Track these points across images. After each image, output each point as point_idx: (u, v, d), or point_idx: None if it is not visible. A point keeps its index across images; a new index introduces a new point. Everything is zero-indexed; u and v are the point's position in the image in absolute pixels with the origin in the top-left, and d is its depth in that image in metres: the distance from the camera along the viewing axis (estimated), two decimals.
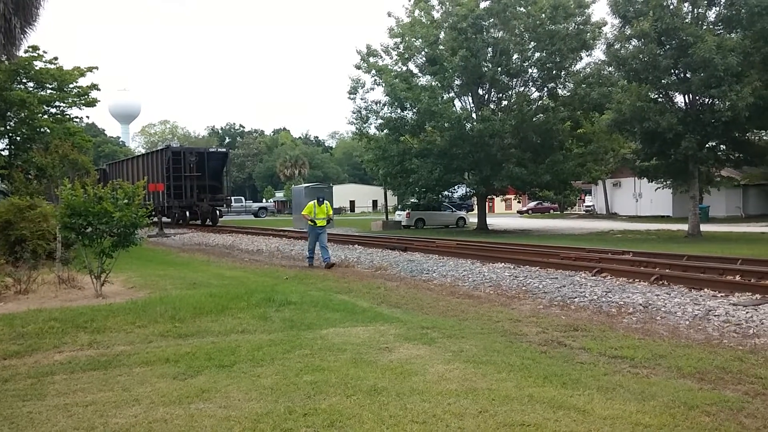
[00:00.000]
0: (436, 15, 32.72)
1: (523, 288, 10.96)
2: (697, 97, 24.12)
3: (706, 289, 9.69)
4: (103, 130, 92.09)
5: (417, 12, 32.94)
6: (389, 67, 32.94)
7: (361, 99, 33.78)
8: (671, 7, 23.34)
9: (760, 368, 5.73)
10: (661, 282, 10.50)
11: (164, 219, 33.90)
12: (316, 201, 15.73)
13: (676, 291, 9.71)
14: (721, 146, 26.00)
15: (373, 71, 32.98)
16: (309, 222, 15.64)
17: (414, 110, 31.15)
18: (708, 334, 7.39)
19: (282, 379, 5.22)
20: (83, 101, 30.51)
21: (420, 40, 31.76)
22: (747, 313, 8.03)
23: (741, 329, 7.44)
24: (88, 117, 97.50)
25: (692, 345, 6.75)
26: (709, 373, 5.53)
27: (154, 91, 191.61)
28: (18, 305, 9.32)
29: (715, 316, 8.06)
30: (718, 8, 23.97)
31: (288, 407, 4.51)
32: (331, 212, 16.14)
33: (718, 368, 5.70)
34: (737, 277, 10.76)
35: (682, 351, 6.37)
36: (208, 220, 35.37)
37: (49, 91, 29.34)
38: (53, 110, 30.20)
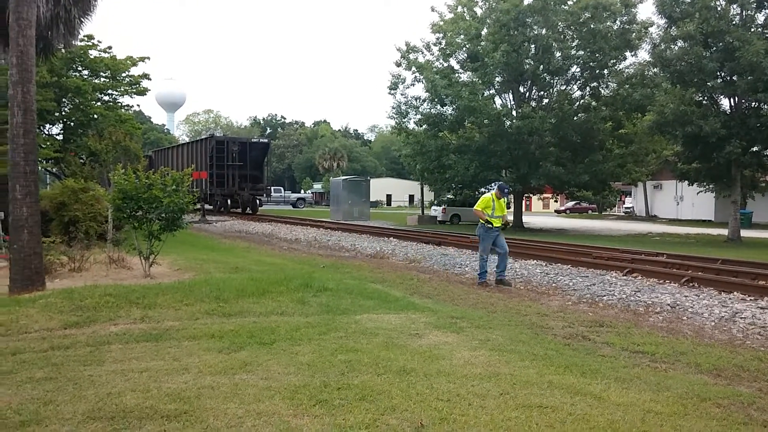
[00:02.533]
0: (479, 11, 32.81)
1: (554, 284, 11.19)
2: (743, 101, 23.78)
3: (735, 293, 9.80)
4: (149, 117, 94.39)
5: (460, 8, 33.06)
6: (430, 62, 33.14)
7: (401, 94, 34.11)
8: (719, 9, 23.04)
9: None
10: (691, 284, 10.63)
11: (206, 206, 34.84)
12: (495, 192, 11.48)
13: (706, 293, 9.84)
14: (766, 151, 25.56)
15: (414, 67, 33.24)
16: (482, 221, 11.40)
17: (453, 106, 31.30)
18: (732, 335, 7.56)
19: (318, 357, 5.60)
20: (134, 90, 31.58)
21: (462, 35, 31.89)
22: None
23: (765, 332, 7.59)
24: (138, 105, 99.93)
25: (714, 344, 6.94)
26: (726, 370, 5.75)
27: (200, 81, 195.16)
28: (73, 281, 9.97)
29: (741, 318, 8.21)
30: (767, 11, 23.55)
31: (323, 381, 4.89)
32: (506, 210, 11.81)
33: (736, 366, 5.91)
34: None
35: (703, 349, 6.58)
36: (248, 208, 36.24)
37: (102, 79, 30.42)
38: (106, 98, 31.33)
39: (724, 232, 26.27)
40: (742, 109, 23.90)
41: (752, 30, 22.87)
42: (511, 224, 11.04)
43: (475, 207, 11.62)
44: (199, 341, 6.18)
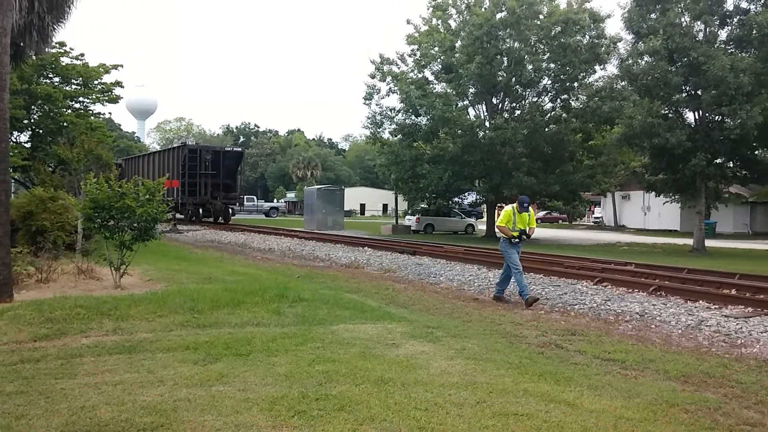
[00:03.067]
0: (453, 24, 33.19)
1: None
2: (707, 115, 24.39)
3: (701, 301, 10.05)
4: (120, 125, 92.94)
5: (434, 20, 33.42)
6: (405, 73, 33.40)
7: (376, 105, 34.30)
8: (683, 25, 23.64)
9: (743, 374, 6.10)
10: (659, 293, 10.87)
11: (178, 215, 34.48)
12: (514, 206, 10.88)
13: (673, 302, 10.08)
14: (729, 163, 26.25)
15: (389, 78, 33.46)
16: (504, 235, 10.84)
17: (428, 117, 31.57)
18: (698, 342, 7.76)
19: (295, 368, 5.62)
20: (106, 97, 31.21)
21: (436, 47, 32.21)
22: (737, 324, 8.40)
23: (730, 339, 7.81)
24: (110, 113, 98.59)
25: (682, 352, 7.12)
26: (693, 377, 5.92)
27: (171, 88, 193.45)
28: (40, 293, 9.79)
29: (706, 326, 8.43)
30: (730, 28, 24.25)
31: (301, 392, 4.91)
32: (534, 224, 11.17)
33: (702, 373, 6.07)
34: (733, 291, 11.10)
35: (671, 356, 6.75)
36: (220, 217, 35.93)
37: (74, 87, 30.00)
38: (77, 105, 30.88)
39: (690, 241, 26.84)
40: (706, 123, 24.51)
41: (715, 46, 23.50)
42: (530, 236, 11.07)
43: (497, 223, 11.15)
44: (173, 353, 6.14)
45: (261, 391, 4.96)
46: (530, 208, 10.98)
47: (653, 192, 29.90)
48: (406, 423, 4.30)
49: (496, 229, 11.18)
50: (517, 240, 10.78)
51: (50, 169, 25.59)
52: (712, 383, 5.76)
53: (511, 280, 10.89)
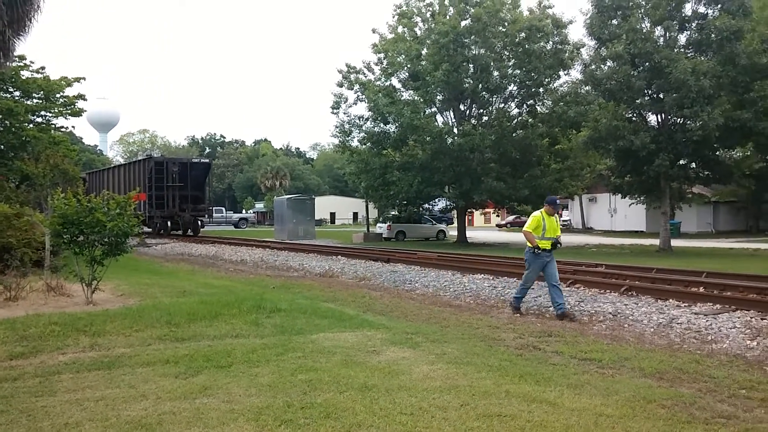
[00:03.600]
0: (419, 32, 33.48)
1: (502, 298, 11.48)
2: (670, 117, 25.00)
3: (671, 300, 10.30)
4: (81, 138, 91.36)
5: (400, 28, 33.68)
6: (372, 82, 33.56)
7: (344, 113, 34.40)
8: (644, 31, 24.23)
9: (715, 369, 6.28)
10: (630, 293, 11.10)
11: (146, 229, 34.02)
12: (545, 209, 9.96)
13: (644, 301, 10.30)
14: (692, 164, 26.92)
15: (356, 87, 33.59)
16: (531, 245, 9.84)
17: (396, 124, 31.78)
18: (670, 339, 7.96)
19: (278, 378, 5.62)
20: (69, 111, 30.68)
21: (403, 55, 32.46)
22: (707, 321, 8.63)
23: (700, 336, 8.03)
24: (74, 127, 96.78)
25: (655, 349, 7.30)
26: (668, 373, 6.08)
27: (134, 100, 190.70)
28: (10, 311, 9.58)
29: (677, 324, 8.65)
30: (689, 32, 24.93)
31: (286, 402, 4.92)
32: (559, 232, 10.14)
33: (676, 369, 6.24)
34: (701, 289, 11.39)
35: (645, 354, 6.92)
36: (189, 230, 35.59)
37: (35, 101, 29.44)
38: (39, 119, 30.30)
39: (656, 242, 27.42)
40: (669, 125, 25.12)
41: (675, 50, 24.13)
42: (561, 244, 10.08)
43: (524, 228, 10.03)
44: (153, 367, 6.09)
45: (245, 401, 4.96)
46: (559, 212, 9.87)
47: (619, 194, 30.51)
48: (393, 428, 4.35)
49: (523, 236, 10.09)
50: (548, 251, 9.73)
51: (14, 185, 25.06)
52: (686, 379, 5.92)
53: (563, 289, 10.00)
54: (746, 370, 6.34)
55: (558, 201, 10.08)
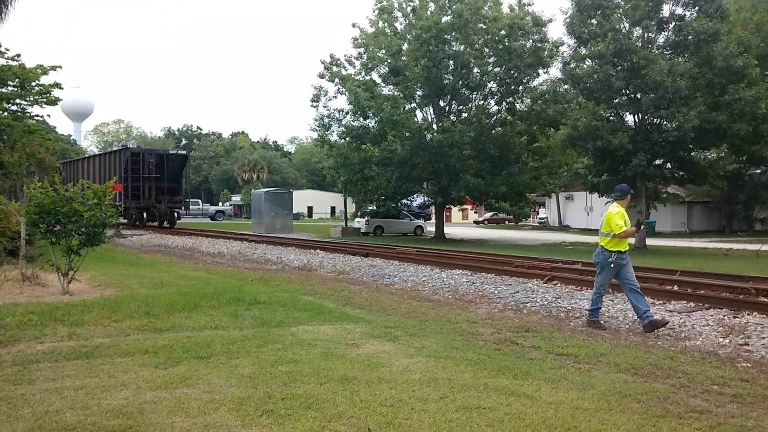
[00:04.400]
0: (400, 27, 33.50)
1: (480, 293, 11.59)
2: (647, 117, 25.35)
3: (646, 297, 10.44)
4: (54, 127, 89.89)
5: (381, 23, 33.65)
6: (353, 76, 33.52)
7: (324, 107, 34.35)
8: (624, 30, 24.53)
9: (688, 365, 6.43)
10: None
11: (122, 220, 33.67)
12: (621, 202, 8.98)
13: (619, 298, 10.46)
14: (668, 164, 27.32)
15: (337, 80, 33.54)
16: (610, 247, 8.59)
17: (376, 119, 31.79)
18: (645, 336, 8.12)
19: (258, 369, 5.64)
20: (44, 99, 30.21)
21: (383, 50, 32.45)
22: (681, 318, 8.82)
23: (675, 333, 8.20)
24: (48, 116, 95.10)
25: (630, 345, 7.44)
26: (642, 369, 6.21)
27: (109, 90, 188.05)
28: None
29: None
30: (667, 33, 25.29)
31: (267, 392, 4.94)
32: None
33: (651, 365, 6.38)
34: (675, 287, 11.62)
35: (621, 350, 7.05)
36: (165, 222, 35.31)
37: (10, 89, 28.93)
38: (14, 107, 29.79)
39: (631, 240, 27.77)
40: (646, 125, 25.48)
41: (653, 51, 24.47)
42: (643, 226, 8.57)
43: (616, 232, 8.49)
44: (132, 357, 6.07)
45: (226, 392, 4.97)
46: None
47: (596, 193, 30.85)
48: (374, 419, 4.39)
49: (602, 240, 8.70)
50: (623, 251, 8.62)
51: None
52: (660, 374, 6.05)
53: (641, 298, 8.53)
54: (719, 367, 6.49)
55: (627, 189, 9.21)
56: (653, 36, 25.09)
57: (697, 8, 24.40)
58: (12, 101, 29.71)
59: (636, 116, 25.96)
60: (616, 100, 25.09)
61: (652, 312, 8.51)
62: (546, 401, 4.90)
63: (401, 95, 31.77)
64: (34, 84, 29.56)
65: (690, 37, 23.82)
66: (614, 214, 8.61)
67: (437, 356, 6.31)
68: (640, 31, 24.95)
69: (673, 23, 25.05)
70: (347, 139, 34.09)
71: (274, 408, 4.57)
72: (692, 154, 27.25)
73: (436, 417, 4.46)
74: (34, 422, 4.22)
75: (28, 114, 30.81)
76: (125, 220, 34.63)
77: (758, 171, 38.33)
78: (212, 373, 5.51)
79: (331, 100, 34.32)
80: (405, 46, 32.35)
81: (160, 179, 34.37)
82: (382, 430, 4.20)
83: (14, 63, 28.78)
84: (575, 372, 5.97)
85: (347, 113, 33.67)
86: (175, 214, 36.48)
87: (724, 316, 8.95)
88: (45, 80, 30.08)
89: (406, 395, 4.93)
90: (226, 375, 5.44)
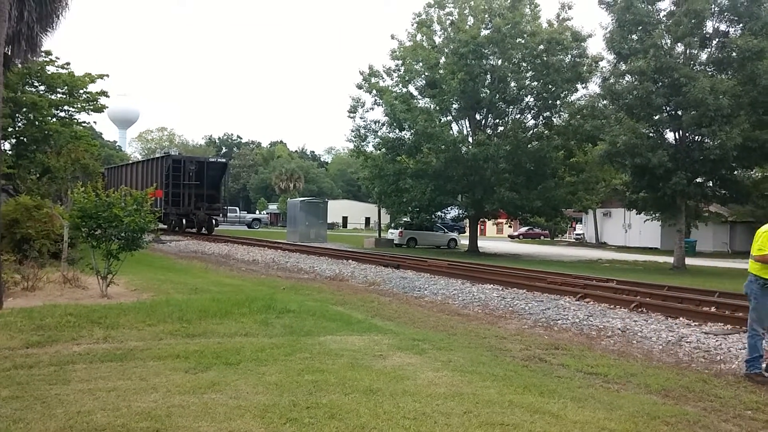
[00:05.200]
0: (438, 40, 33.59)
1: (510, 309, 11.50)
2: (688, 135, 24.89)
3: (681, 318, 10.27)
4: (101, 133, 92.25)
5: (419, 36, 33.81)
6: (389, 88, 33.70)
7: (361, 118, 34.61)
8: (665, 47, 24.17)
9: (721, 389, 6.29)
10: (640, 309, 11.08)
11: (162, 226, 34.34)
12: None
13: (653, 318, 10.29)
14: (709, 183, 26.73)
15: (374, 91, 33.76)
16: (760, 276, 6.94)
17: (411, 131, 31.86)
18: (678, 358, 7.96)
19: (285, 378, 5.71)
20: (91, 107, 31.17)
21: (421, 63, 32.58)
22: (717, 341, 8.61)
23: (709, 355, 8.02)
24: (95, 122, 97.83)
25: (662, 367, 7.31)
26: (674, 391, 6.09)
27: (153, 98, 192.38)
28: (27, 301, 9.78)
29: (687, 342, 8.64)
30: (710, 50, 24.83)
31: (292, 401, 5.01)
32: None
33: (682, 387, 6.25)
34: (712, 309, 11.35)
35: (652, 371, 6.93)
36: (204, 228, 35.86)
37: (59, 95, 29.94)
38: (62, 114, 30.82)
39: (670, 259, 27.25)
40: (686, 143, 25.00)
41: (696, 68, 24.03)
42: None
43: (759, 253, 6.89)
44: (164, 361, 6.21)
45: (252, 399, 5.05)
46: None
47: (634, 210, 30.34)
48: (396, 431, 4.42)
49: (752, 266, 7.06)
50: None
51: (36, 177, 25.46)
52: (692, 397, 5.94)
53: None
54: (753, 392, 6.34)
55: None
56: (696, 53, 24.63)
57: (741, 25, 23.91)
58: (60, 108, 30.72)
59: (676, 133, 25.49)
60: (656, 117, 24.69)
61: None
62: (572, 420, 4.86)
63: (437, 108, 31.82)
64: (82, 91, 30.55)
65: (734, 54, 23.34)
66: (762, 233, 7.02)
67: (463, 371, 6.30)
68: (682, 48, 24.52)
69: (717, 40, 24.57)
70: (383, 150, 34.26)
71: (298, 416, 4.63)
72: (735, 173, 26.60)
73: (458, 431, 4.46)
74: (65, 422, 4.36)
75: (75, 120, 31.80)
76: (165, 226, 35.32)
77: None
78: (240, 379, 5.60)
79: (368, 111, 34.68)
80: (442, 60, 32.42)
81: (199, 186, 34.98)
82: None
83: (64, 71, 29.78)
84: (603, 391, 5.90)
85: (383, 125, 33.87)
86: (213, 221, 37.05)
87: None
88: (92, 88, 31.11)
89: (430, 409, 4.94)
90: (254, 382, 5.53)
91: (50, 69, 29.19)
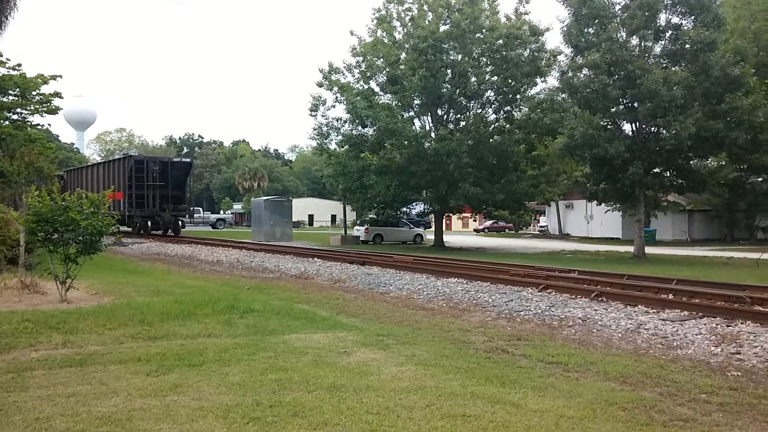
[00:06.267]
0: (398, 36, 33.66)
1: (474, 301, 11.63)
2: (644, 126, 25.42)
3: (640, 306, 10.52)
4: (58, 135, 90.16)
5: (379, 32, 33.80)
6: (351, 84, 33.66)
7: (323, 116, 34.46)
8: (620, 40, 24.64)
9: (678, 374, 6.47)
10: (600, 298, 11.31)
11: (125, 228, 33.69)
12: None
13: (613, 307, 10.51)
14: (666, 173, 27.33)
15: (335, 88, 33.68)
16: None
17: (374, 128, 31.90)
18: (637, 345, 8.16)
19: (248, 377, 5.70)
20: (45, 108, 30.43)
21: (381, 59, 32.60)
22: (674, 327, 8.85)
23: (667, 341, 8.23)
24: (50, 125, 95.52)
25: (621, 354, 7.49)
26: (631, 377, 6.25)
27: (111, 99, 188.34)
28: None
29: (645, 329, 8.85)
30: (663, 42, 25.39)
31: (255, 400, 5.00)
32: None
33: (640, 373, 6.42)
34: (670, 296, 11.63)
35: (611, 359, 7.10)
36: (170, 230, 35.10)
37: (11, 98, 29.17)
38: (14, 116, 30.03)
39: (631, 249, 27.82)
40: (643, 134, 25.53)
41: (650, 60, 24.55)
42: None
43: None
44: (125, 365, 6.14)
45: (215, 399, 5.03)
46: None
47: (595, 201, 30.86)
48: (359, 426, 4.45)
49: None
50: None
51: None
52: (648, 383, 6.09)
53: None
54: (708, 375, 6.53)
55: None
56: (650, 45, 25.16)
57: (693, 17, 24.49)
58: (13, 110, 29.93)
59: (633, 125, 26.01)
60: (613, 109, 25.15)
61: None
62: (531, 409, 4.95)
63: (399, 104, 31.90)
64: (34, 93, 29.80)
65: (687, 46, 23.91)
66: None
67: (427, 364, 6.36)
68: (637, 41, 25.02)
69: (670, 32, 25.12)
70: (346, 147, 34.22)
71: (261, 415, 4.63)
72: (691, 162, 27.24)
73: (420, 424, 4.51)
74: (24, 429, 4.29)
75: (29, 123, 31.02)
76: (129, 229, 34.64)
77: (759, 179, 38.29)
78: (203, 380, 5.57)
79: (329, 109, 34.49)
80: (403, 56, 32.51)
81: (164, 187, 34.13)
82: None
83: (15, 72, 29.02)
84: (563, 380, 6.02)
85: (345, 122, 33.81)
86: (180, 222, 36.33)
87: (717, 324, 8.96)
88: (45, 89, 30.36)
89: (393, 403, 4.99)
90: (216, 383, 5.50)
91: (1, 71, 28.42)
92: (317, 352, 6.81)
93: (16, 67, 29.05)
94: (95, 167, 40.43)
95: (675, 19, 25.25)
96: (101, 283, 12.92)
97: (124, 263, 19.78)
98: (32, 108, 30.26)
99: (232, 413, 4.68)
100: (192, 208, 39.60)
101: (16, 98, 29.47)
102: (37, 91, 29.88)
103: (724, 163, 35.43)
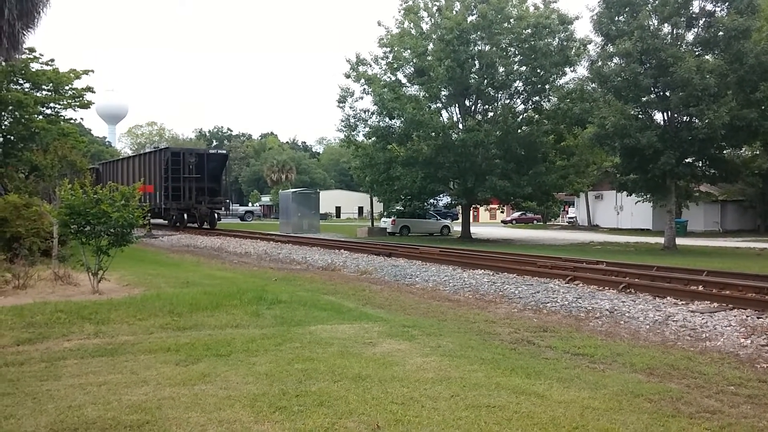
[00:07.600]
0: (425, 27, 33.49)
1: (500, 293, 11.60)
2: (676, 115, 24.97)
3: (669, 297, 10.38)
4: (90, 130, 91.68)
5: (406, 23, 33.65)
6: (378, 76, 33.61)
7: (350, 107, 34.46)
8: (652, 28, 24.20)
9: (706, 366, 6.39)
10: (628, 290, 11.19)
11: (161, 221, 33.87)
12: None
13: (641, 298, 10.40)
14: (698, 163, 26.83)
15: (363, 80, 33.65)
16: None
17: (401, 119, 31.82)
18: (665, 337, 8.07)
19: (275, 367, 5.78)
20: (78, 103, 30.93)
21: (409, 50, 32.47)
22: (703, 319, 8.73)
23: (695, 333, 8.13)
24: (82, 119, 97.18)
25: (648, 346, 7.41)
26: (658, 369, 6.19)
27: (142, 93, 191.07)
28: (18, 299, 9.79)
29: (673, 321, 8.75)
30: (696, 30, 24.88)
31: (282, 389, 5.07)
32: None
33: (667, 365, 6.35)
34: (700, 287, 11.46)
35: (638, 351, 7.04)
36: (206, 223, 34.64)
37: (44, 93, 29.74)
38: (48, 111, 30.61)
39: (662, 240, 27.41)
40: (675, 123, 25.09)
41: (683, 48, 24.08)
42: None
43: None
44: (155, 354, 6.26)
45: (242, 389, 5.11)
46: None
47: (625, 192, 30.43)
48: (384, 416, 4.49)
49: None
50: None
51: (23, 175, 25.36)
52: (676, 375, 6.03)
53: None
54: (737, 368, 6.44)
55: None
56: (682, 33, 24.67)
57: (727, 4, 23.93)
58: (46, 105, 30.50)
59: (665, 114, 25.56)
60: (644, 98, 24.73)
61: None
62: (556, 400, 4.94)
63: (426, 95, 31.77)
64: (67, 88, 30.30)
65: (720, 33, 23.39)
66: None
67: (452, 355, 6.38)
68: (669, 28, 24.56)
69: (703, 19, 24.59)
70: (373, 139, 34.21)
71: (287, 405, 4.70)
72: (724, 152, 26.71)
73: (445, 415, 4.53)
74: (56, 416, 4.41)
75: (62, 117, 31.57)
76: (165, 221, 34.72)
77: None
78: (230, 370, 5.66)
79: (357, 101, 34.44)
80: (430, 47, 32.35)
81: (200, 179, 33.57)
82: (391, 427, 4.29)
83: (48, 68, 29.54)
84: (589, 372, 5.99)
85: (373, 113, 33.76)
86: (216, 215, 35.94)
87: (747, 316, 8.81)
88: (78, 84, 30.85)
89: (418, 393, 5.02)
90: (244, 372, 5.59)
91: (34, 66, 28.89)
92: (343, 342, 6.86)
93: (49, 63, 29.58)
94: (130, 159, 40.51)
95: (708, 6, 24.71)
96: (132, 274, 13.17)
97: (155, 255, 20.10)
98: (65, 102, 30.77)
99: (259, 402, 4.75)
100: (228, 201, 39.09)
101: (50, 93, 29.99)
102: (70, 85, 30.37)
103: (758, 152, 34.65)
